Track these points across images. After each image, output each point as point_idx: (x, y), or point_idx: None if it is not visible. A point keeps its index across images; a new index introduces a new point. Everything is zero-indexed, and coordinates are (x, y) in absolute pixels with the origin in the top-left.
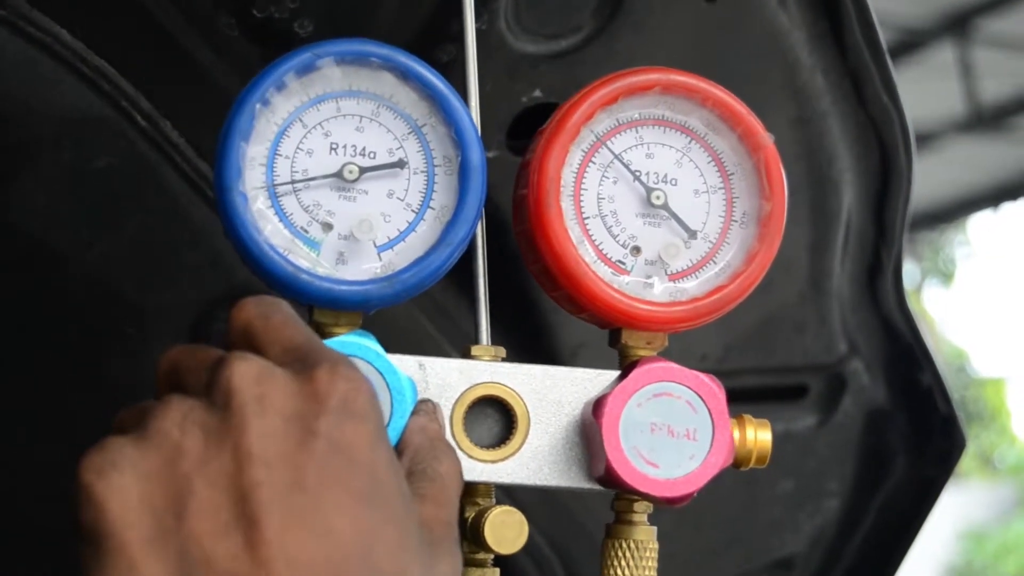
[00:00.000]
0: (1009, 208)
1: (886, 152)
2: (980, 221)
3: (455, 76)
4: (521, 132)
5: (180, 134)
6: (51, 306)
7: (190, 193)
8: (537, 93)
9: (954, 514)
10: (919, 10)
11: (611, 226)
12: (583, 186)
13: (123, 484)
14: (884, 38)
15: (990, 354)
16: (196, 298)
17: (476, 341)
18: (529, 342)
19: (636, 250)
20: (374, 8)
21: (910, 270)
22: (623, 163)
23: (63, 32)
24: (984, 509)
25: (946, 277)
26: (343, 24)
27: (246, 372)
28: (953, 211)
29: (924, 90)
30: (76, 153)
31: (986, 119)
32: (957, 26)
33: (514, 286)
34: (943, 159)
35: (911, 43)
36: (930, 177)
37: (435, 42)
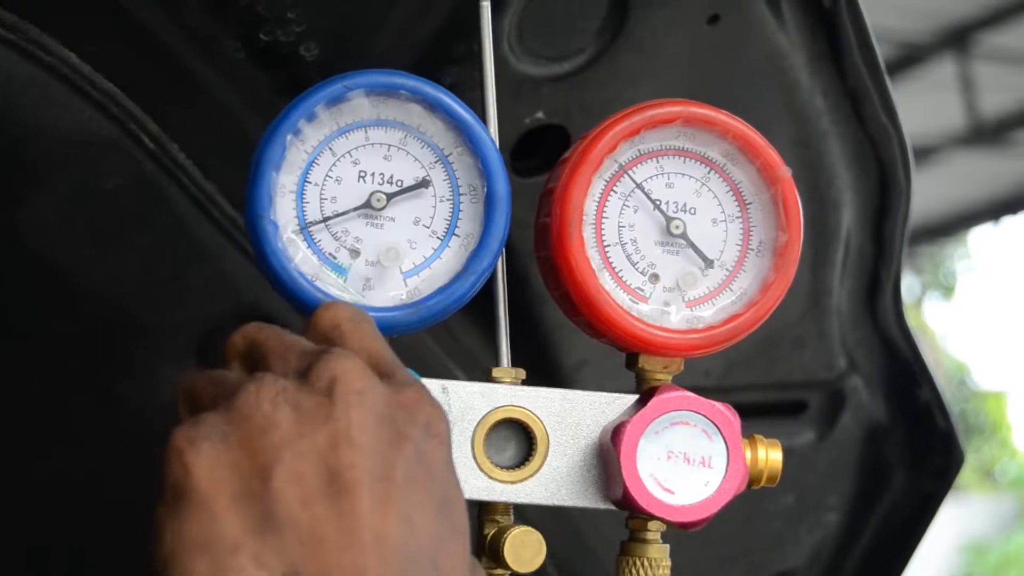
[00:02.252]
0: (1009, 222)
1: (885, 171)
2: (980, 235)
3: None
4: (524, 153)
5: (187, 156)
6: (59, 323)
7: (196, 213)
8: (540, 115)
9: (955, 527)
10: (919, 25)
11: (631, 254)
12: (604, 215)
13: (213, 452)
14: (884, 54)
15: (991, 367)
16: (202, 316)
17: (494, 363)
18: (534, 359)
19: (655, 277)
20: (378, 31)
21: (911, 284)
22: (644, 192)
23: (72, 56)
24: (985, 522)
25: (947, 291)
26: (348, 47)
27: (350, 367)
28: (953, 225)
29: (924, 104)
30: (85, 174)
31: (986, 133)
32: (957, 40)
33: (519, 305)
34: (943, 173)
35: (911, 58)
36: (930, 191)
37: (438, 64)
